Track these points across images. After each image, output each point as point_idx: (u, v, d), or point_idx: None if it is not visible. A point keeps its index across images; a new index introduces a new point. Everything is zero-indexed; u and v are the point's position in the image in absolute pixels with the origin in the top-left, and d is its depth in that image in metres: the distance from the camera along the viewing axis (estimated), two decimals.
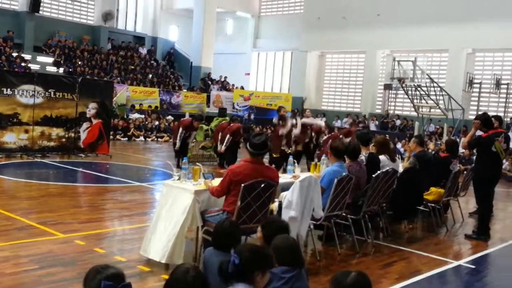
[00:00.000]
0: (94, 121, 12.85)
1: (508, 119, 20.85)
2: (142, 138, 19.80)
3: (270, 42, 29.12)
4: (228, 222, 3.53)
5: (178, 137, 11.45)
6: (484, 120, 6.99)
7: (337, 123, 24.04)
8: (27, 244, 5.19)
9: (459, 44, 22.19)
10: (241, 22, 30.40)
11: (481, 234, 6.99)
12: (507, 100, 21.85)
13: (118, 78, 23.38)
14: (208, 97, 25.69)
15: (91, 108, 12.78)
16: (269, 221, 3.53)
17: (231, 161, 11.27)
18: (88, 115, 12.79)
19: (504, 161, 9.35)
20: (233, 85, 28.05)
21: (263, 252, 2.65)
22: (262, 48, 30.05)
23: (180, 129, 11.48)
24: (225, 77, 28.56)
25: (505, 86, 21.67)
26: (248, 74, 30.16)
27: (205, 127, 14.30)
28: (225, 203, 4.82)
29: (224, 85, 28.18)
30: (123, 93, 22.01)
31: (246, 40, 30.10)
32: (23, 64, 20.74)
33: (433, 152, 9.41)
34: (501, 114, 20.17)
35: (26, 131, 11.96)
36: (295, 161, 6.78)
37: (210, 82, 27.89)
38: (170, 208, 5.03)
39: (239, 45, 29.86)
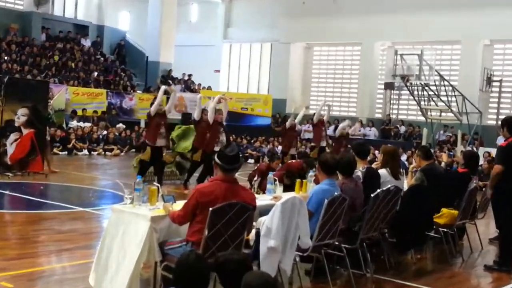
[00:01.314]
0: (25, 131, 12.69)
1: None
2: (85, 151, 19.63)
3: (245, 31, 29.25)
4: (194, 256, 3.53)
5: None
6: (508, 125, 7.11)
7: (329, 131, 24.21)
8: None
9: (474, 34, 22.61)
10: (209, 7, 30.50)
11: (504, 264, 7.10)
12: None
13: (55, 77, 23.16)
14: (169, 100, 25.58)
15: (21, 115, 12.61)
16: (222, 260, 3.50)
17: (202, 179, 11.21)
18: (16, 124, 12.61)
19: None
20: (199, 84, 28.06)
21: None
22: (235, 39, 30.18)
23: None
24: (190, 75, 28.56)
25: None
26: (218, 71, 30.20)
27: None
28: (189, 231, 4.81)
29: (188, 85, 28.15)
30: (61, 95, 21.79)
31: (215, 30, 30.18)
32: None
33: (445, 166, 9.53)
34: None
35: None
36: (276, 178, 6.82)
37: (170, 81, 27.82)
38: (121, 239, 5.00)
39: (207, 36, 29.90)
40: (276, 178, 6.90)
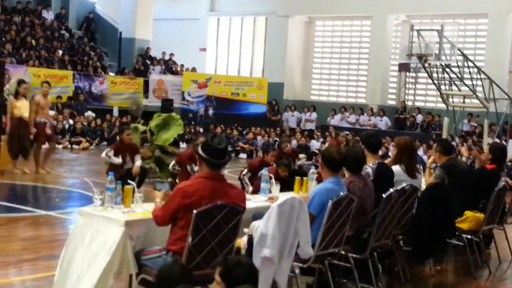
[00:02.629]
0: None
1: None
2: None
3: (235, 2, 29.19)
4: (177, 268, 3.54)
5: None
6: None
7: (333, 120, 24.30)
8: None
9: (503, 5, 22.64)
10: None
11: None
12: None
13: (13, 57, 23.06)
14: (147, 84, 25.57)
15: None
16: (231, 263, 3.53)
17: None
18: None
19: None
20: (182, 65, 28.01)
21: None
22: (224, 12, 30.11)
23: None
24: (171, 55, 28.48)
25: None
26: (204, 49, 30.14)
27: (141, 127, 14.22)
28: (170, 239, 4.82)
29: (169, 66, 28.08)
30: (20, 78, 21.70)
31: (200, 0, 30.10)
32: None
33: (470, 161, 9.58)
34: None
35: None
36: (271, 175, 6.83)
37: (148, 62, 27.76)
38: (87, 246, 5.00)
39: (190, 8, 29.83)
40: (272, 176, 6.91)
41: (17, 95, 12.98)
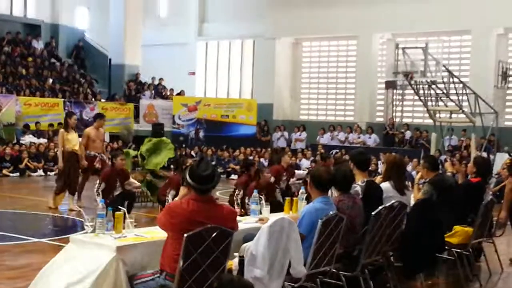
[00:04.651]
0: None
1: None
2: (41, 171, 19.56)
3: (222, 26, 29.30)
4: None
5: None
6: None
7: (323, 139, 24.33)
8: None
9: (486, 22, 22.79)
10: None
11: None
12: None
13: (3, 86, 23.03)
14: (137, 109, 25.59)
15: None
16: (224, 282, 3.52)
17: None
18: None
19: None
20: (171, 90, 28.05)
21: None
22: (211, 36, 30.23)
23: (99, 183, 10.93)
24: (160, 79, 28.55)
25: None
26: (193, 73, 30.23)
27: (133, 152, 14.21)
28: (163, 255, 4.84)
29: (159, 91, 28.13)
30: (11, 107, 21.70)
31: (188, 25, 30.23)
32: None
33: (455, 176, 9.61)
34: None
35: None
36: (261, 197, 6.83)
37: (138, 87, 27.79)
38: (76, 269, 4.99)
39: (178, 33, 29.93)
40: (262, 197, 6.91)
41: (67, 127, 12.45)
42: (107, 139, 23.31)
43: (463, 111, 20.89)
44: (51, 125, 22.71)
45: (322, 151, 19.63)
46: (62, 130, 12.49)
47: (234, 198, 10.16)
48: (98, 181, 10.73)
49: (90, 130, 12.90)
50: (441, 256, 7.14)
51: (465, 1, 22.81)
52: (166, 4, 31.34)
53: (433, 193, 7.13)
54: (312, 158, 20.86)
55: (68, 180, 12.30)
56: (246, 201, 9.69)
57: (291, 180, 12.42)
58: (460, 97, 21.15)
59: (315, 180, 5.85)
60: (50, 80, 25.52)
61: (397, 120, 24.96)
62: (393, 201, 6.44)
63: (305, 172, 14.00)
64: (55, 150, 20.51)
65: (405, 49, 20.72)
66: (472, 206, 7.59)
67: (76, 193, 12.62)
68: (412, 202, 7.37)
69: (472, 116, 20.90)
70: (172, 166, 12.47)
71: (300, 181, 12.22)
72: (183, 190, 5.17)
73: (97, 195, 10.42)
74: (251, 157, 21.78)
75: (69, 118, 12.64)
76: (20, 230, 10.10)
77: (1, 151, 18.87)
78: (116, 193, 10.66)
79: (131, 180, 11.20)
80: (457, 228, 7.51)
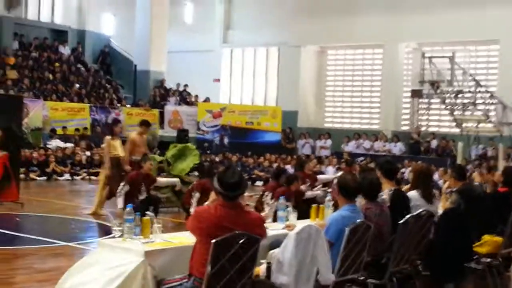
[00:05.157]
0: None
1: None
2: (67, 176, 19.70)
3: (248, 34, 29.36)
4: None
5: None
6: None
7: (348, 147, 24.25)
8: None
9: None
10: (206, 6, 30.64)
11: None
12: None
13: (30, 91, 23.28)
14: (162, 115, 25.70)
15: None
16: (256, 286, 3.54)
17: None
18: None
19: None
20: (196, 96, 28.15)
21: None
22: (236, 43, 30.31)
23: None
24: (185, 85, 28.67)
25: None
26: (218, 80, 30.31)
27: (158, 157, 14.26)
28: (192, 260, 4.86)
29: (184, 97, 28.25)
30: (38, 112, 21.90)
31: (213, 32, 30.33)
32: None
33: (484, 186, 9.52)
34: None
35: None
36: (288, 204, 6.82)
37: (163, 93, 27.93)
38: (104, 272, 5.02)
39: (204, 39, 30.02)
40: (289, 204, 6.90)
41: (112, 134, 12.78)
42: None
43: (490, 120, 20.73)
44: (77, 129, 22.95)
45: (347, 157, 19.56)
46: (108, 137, 12.73)
47: (263, 199, 10.22)
48: (123, 183, 10.86)
49: (135, 137, 12.96)
50: (469, 266, 7.07)
51: (492, 10, 22.66)
52: (192, 11, 31.44)
53: (461, 202, 7.07)
54: (337, 166, 20.78)
55: (111, 185, 12.39)
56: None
57: (316, 187, 12.41)
58: (487, 107, 20.99)
59: (342, 188, 5.83)
60: (77, 86, 25.74)
61: (423, 129, 24.83)
62: (420, 210, 6.41)
63: (329, 176, 13.98)
64: (82, 154, 20.76)
65: (432, 58, 20.64)
66: (501, 216, 7.52)
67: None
68: (440, 211, 7.32)
69: (499, 125, 20.71)
70: (196, 173, 12.55)
71: (326, 188, 12.19)
72: (213, 195, 5.19)
73: (118, 196, 10.59)
74: (275, 164, 21.84)
75: (115, 125, 13.07)
76: (47, 234, 10.18)
77: (29, 155, 19.03)
78: (141, 197, 10.76)
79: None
80: (486, 237, 7.42)
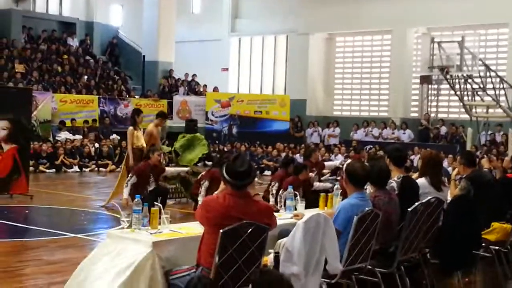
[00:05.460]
0: (6, 147, 12.77)
1: None
2: (76, 168, 19.79)
3: (256, 22, 29.30)
4: (202, 284, 3.53)
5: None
6: None
7: (357, 135, 24.19)
8: None
9: None
10: None
11: None
12: None
13: (39, 84, 23.34)
14: (170, 105, 25.72)
15: (1, 129, 12.72)
16: (263, 276, 3.51)
17: None
18: None
19: None
20: (204, 86, 28.15)
21: None
22: (244, 32, 30.23)
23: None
24: (194, 75, 28.65)
25: None
26: (226, 69, 30.28)
27: (167, 148, 14.28)
28: (199, 251, 4.87)
29: (192, 87, 28.24)
30: (47, 104, 21.97)
31: (221, 21, 30.28)
32: None
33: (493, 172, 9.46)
34: None
35: None
36: (297, 193, 6.81)
37: (172, 83, 27.93)
38: (112, 264, 5.03)
39: (211, 29, 30.00)
40: (297, 193, 6.89)
41: (134, 125, 12.42)
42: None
43: (500, 105, 20.62)
44: (86, 121, 23.01)
45: (356, 144, 19.53)
46: (131, 128, 12.39)
47: (269, 189, 10.28)
48: (130, 174, 10.87)
49: (152, 128, 12.75)
50: (478, 253, 7.04)
51: None
52: (199, 1, 31.43)
53: (470, 189, 7.03)
54: (346, 154, 20.75)
55: None
56: (280, 193, 9.77)
57: (324, 175, 12.42)
58: (497, 92, 20.87)
59: (350, 176, 5.79)
60: (85, 77, 25.78)
61: (432, 115, 24.73)
62: (429, 197, 6.38)
63: (336, 162, 13.97)
64: (91, 146, 20.81)
65: (441, 43, 20.52)
66: (510, 202, 7.49)
67: None
68: (449, 198, 7.28)
69: (510, 110, 20.60)
70: (206, 162, 12.61)
71: (334, 177, 12.18)
72: (223, 185, 5.17)
73: (125, 186, 10.57)
74: (284, 153, 21.83)
75: (137, 115, 12.57)
76: (56, 226, 10.24)
77: (38, 147, 19.10)
78: (150, 188, 10.77)
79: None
80: (495, 225, 7.39)
